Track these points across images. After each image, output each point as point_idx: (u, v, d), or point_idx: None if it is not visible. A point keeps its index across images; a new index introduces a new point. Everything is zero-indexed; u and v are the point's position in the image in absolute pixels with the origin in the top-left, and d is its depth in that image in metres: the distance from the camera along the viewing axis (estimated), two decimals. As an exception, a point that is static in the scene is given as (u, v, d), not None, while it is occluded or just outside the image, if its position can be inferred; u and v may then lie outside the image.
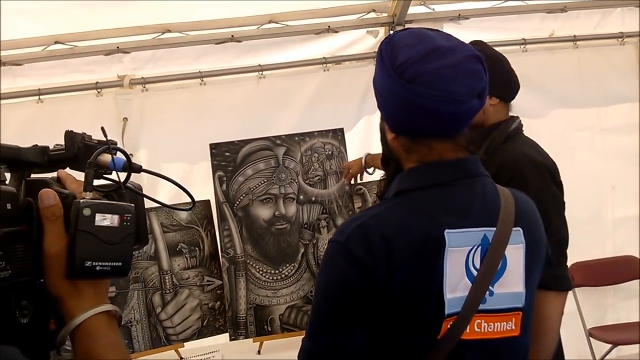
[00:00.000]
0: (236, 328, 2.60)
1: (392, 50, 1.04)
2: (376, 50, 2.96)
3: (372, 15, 2.95)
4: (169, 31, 2.57)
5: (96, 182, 0.72)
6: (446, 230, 1.01)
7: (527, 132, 1.80)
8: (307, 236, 2.79)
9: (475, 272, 1.03)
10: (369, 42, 3.01)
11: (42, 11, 2.31)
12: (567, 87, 3.15)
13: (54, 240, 0.65)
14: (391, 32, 3.01)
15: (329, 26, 2.86)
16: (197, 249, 2.62)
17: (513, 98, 1.80)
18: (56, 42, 2.45)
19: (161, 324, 2.55)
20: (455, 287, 1.01)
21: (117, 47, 2.54)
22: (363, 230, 1.01)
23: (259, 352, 2.54)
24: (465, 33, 3.05)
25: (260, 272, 2.73)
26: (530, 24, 3.20)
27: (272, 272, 2.74)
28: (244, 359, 2.53)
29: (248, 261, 2.68)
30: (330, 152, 2.79)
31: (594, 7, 3.15)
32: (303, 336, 1.06)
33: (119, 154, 0.74)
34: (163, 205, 0.88)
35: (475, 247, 1.03)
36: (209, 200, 2.58)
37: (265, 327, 2.71)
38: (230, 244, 2.65)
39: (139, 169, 0.77)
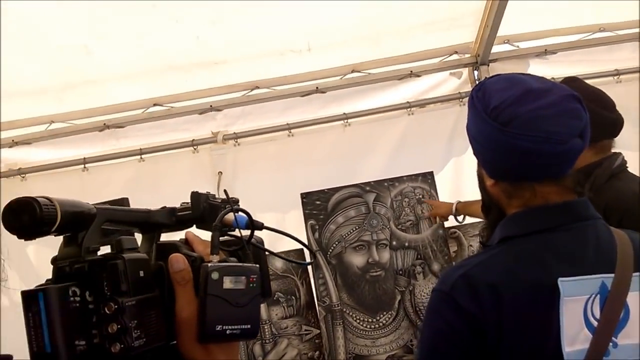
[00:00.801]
0: (337, 379, 2.23)
1: (484, 95, 0.94)
2: (461, 91, 2.62)
3: (455, 57, 2.57)
4: (258, 87, 2.35)
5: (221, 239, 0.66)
6: (560, 279, 0.86)
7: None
8: (403, 283, 2.38)
9: (595, 323, 0.87)
10: (452, 83, 2.63)
11: (142, 76, 2.17)
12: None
13: (185, 305, 0.60)
14: (475, 72, 2.63)
15: (411, 71, 2.52)
16: (293, 297, 2.30)
17: (607, 136, 1.57)
18: (155, 105, 2.29)
19: (262, 375, 2.22)
20: (574, 339, 0.86)
21: (210, 106, 2.34)
22: (468, 279, 0.89)
23: None
24: (553, 69, 2.60)
25: (358, 321, 2.33)
26: (622, 54, 2.69)
27: (370, 320, 2.34)
28: None
29: (345, 309, 2.31)
30: (421, 196, 2.39)
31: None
32: None
33: (241, 213, 0.69)
34: (285, 259, 0.89)
35: (594, 295, 0.88)
36: (302, 249, 2.24)
37: (366, 377, 2.29)
38: (325, 292, 2.29)
39: (260, 227, 0.71)
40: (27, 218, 0.49)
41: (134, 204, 0.67)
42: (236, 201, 0.72)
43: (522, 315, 0.86)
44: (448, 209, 2.27)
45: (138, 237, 0.65)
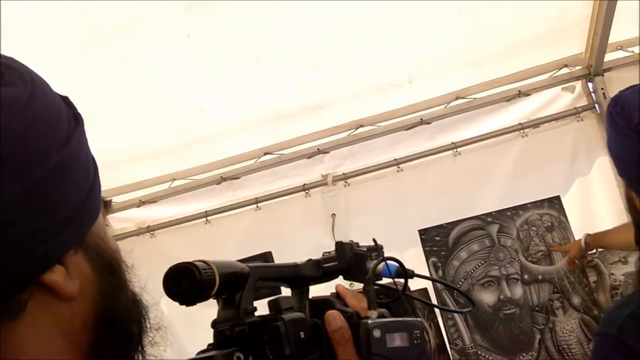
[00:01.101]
0: None
1: (622, 110, 0.83)
2: (576, 106, 2.31)
3: (565, 70, 2.29)
4: (362, 125, 2.22)
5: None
6: None
7: None
8: (541, 320, 2.04)
9: None
10: (566, 99, 2.33)
11: (252, 128, 2.13)
12: None
13: None
14: (589, 84, 2.32)
15: (519, 91, 2.27)
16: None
17: None
18: (265, 154, 2.24)
19: None
20: None
21: (318, 149, 2.25)
22: (636, 319, 0.77)
23: None
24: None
25: (495, 365, 2.01)
26: None
27: (508, 363, 2.01)
28: None
29: (480, 352, 2.03)
30: (549, 224, 2.08)
31: None
32: None
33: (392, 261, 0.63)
34: (439, 308, 0.72)
35: None
36: (426, 289, 2.00)
37: None
38: (457, 334, 2.03)
39: (412, 275, 0.65)
40: (188, 283, 0.46)
41: (254, 252, 0.63)
42: (380, 248, 0.68)
43: None
44: (579, 248, 1.95)
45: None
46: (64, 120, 0.39)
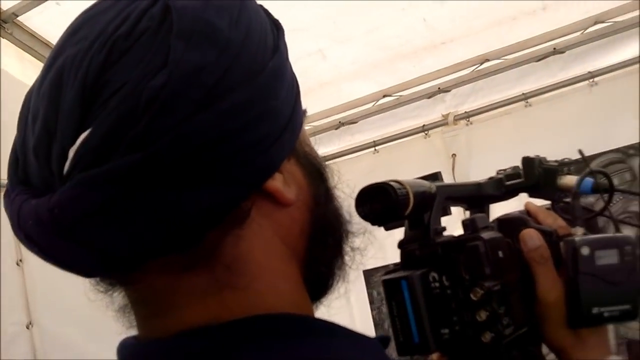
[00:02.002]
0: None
1: None
2: None
3: None
4: (487, 60, 2.19)
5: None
6: None
7: None
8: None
9: None
10: None
11: (371, 71, 2.19)
12: None
13: (551, 286, 0.53)
14: None
15: (669, 9, 2.07)
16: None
17: None
18: (384, 96, 2.30)
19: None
20: None
21: (439, 88, 2.28)
22: None
23: None
24: None
25: None
26: None
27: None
28: None
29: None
30: (703, 155, 1.97)
31: None
32: None
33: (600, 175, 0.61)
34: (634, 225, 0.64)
35: None
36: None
37: (644, 367, 2.02)
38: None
39: (614, 189, 0.62)
40: (383, 203, 0.47)
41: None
42: (570, 163, 0.66)
43: None
44: None
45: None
46: (269, 26, 0.41)
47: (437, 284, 0.49)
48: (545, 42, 2.14)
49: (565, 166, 0.65)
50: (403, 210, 0.48)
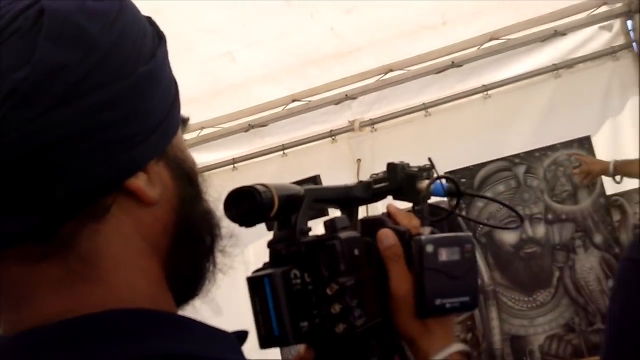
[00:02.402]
0: (493, 360, 2.21)
1: None
2: (613, 45, 2.38)
3: (604, 8, 2.34)
4: (392, 70, 2.34)
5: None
6: None
7: None
8: (562, 258, 2.28)
9: None
10: (602, 38, 2.40)
11: (281, 75, 2.26)
12: None
13: (401, 281, 0.59)
14: (629, 22, 2.37)
15: (555, 30, 2.33)
16: (443, 280, 2.29)
17: None
18: (294, 101, 2.39)
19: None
20: None
21: (346, 95, 2.40)
22: None
23: None
24: None
25: (513, 301, 2.29)
26: None
27: (526, 300, 2.29)
28: None
29: (498, 290, 2.29)
30: (578, 164, 2.23)
31: None
32: None
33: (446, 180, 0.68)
34: (494, 227, 0.80)
35: None
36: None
37: (524, 359, 2.27)
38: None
39: (465, 193, 0.69)
40: (249, 206, 0.51)
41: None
42: (431, 168, 0.71)
43: None
44: (603, 167, 2.09)
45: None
46: (150, 35, 0.43)
47: (298, 281, 0.52)
48: (445, 56, 2.33)
49: (425, 172, 0.70)
50: (268, 212, 0.52)
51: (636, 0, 2.27)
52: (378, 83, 2.35)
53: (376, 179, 0.69)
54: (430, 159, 0.70)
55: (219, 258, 0.49)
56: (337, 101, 2.38)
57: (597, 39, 2.39)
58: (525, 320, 2.27)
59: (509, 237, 2.29)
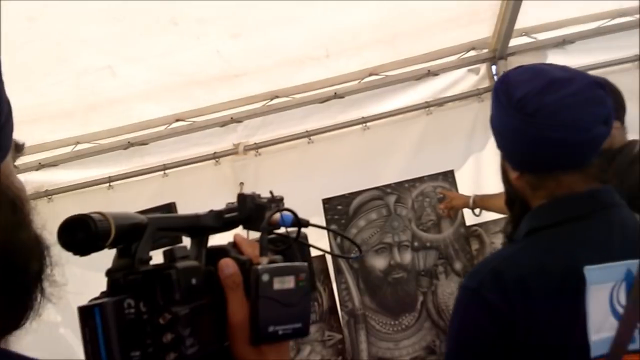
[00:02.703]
0: (361, 381, 2.36)
1: (507, 88, 0.95)
2: (479, 87, 2.66)
3: (472, 53, 2.61)
4: (277, 97, 2.43)
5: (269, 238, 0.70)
6: (586, 267, 0.87)
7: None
8: (425, 283, 2.49)
9: (621, 310, 0.88)
10: (470, 80, 2.67)
11: (164, 94, 2.26)
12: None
13: (237, 309, 0.61)
14: (493, 67, 2.65)
15: (428, 70, 2.57)
16: (316, 304, 2.42)
17: None
18: (177, 120, 2.39)
19: (287, 381, 2.35)
20: (600, 327, 0.87)
21: (231, 118, 2.45)
22: (497, 274, 0.90)
23: None
24: (572, 58, 2.62)
25: (380, 324, 2.46)
26: (645, 37, 2.66)
27: (392, 323, 2.47)
28: None
29: (367, 313, 2.45)
30: (442, 196, 2.46)
31: None
32: None
33: (287, 212, 0.72)
34: (332, 254, 0.87)
35: (619, 282, 0.88)
36: (324, 255, 2.34)
37: (392, 380, 2.43)
38: (348, 297, 2.42)
39: (306, 224, 0.74)
40: (82, 234, 0.51)
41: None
42: (281, 199, 0.75)
43: (550, 306, 0.87)
44: (464, 201, 2.32)
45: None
46: None
47: (132, 310, 0.53)
48: (328, 86, 2.46)
49: (274, 203, 0.73)
50: (103, 241, 0.52)
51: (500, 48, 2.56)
52: (263, 108, 2.43)
53: (227, 209, 0.72)
54: (271, 192, 0.75)
55: (47, 287, 0.48)
56: (222, 123, 2.43)
57: (465, 80, 2.66)
58: (391, 342, 2.44)
59: (379, 263, 2.46)
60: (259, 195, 0.74)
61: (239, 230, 0.72)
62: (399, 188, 2.49)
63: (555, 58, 2.66)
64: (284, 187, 2.41)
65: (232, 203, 0.72)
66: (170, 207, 0.70)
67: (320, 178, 2.50)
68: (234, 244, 0.68)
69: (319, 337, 2.39)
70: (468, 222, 2.50)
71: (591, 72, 1.96)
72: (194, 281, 0.58)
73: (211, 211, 0.69)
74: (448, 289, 2.46)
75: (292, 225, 0.72)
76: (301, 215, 2.34)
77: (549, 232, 0.93)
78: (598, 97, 0.92)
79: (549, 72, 0.94)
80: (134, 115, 2.32)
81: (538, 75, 0.94)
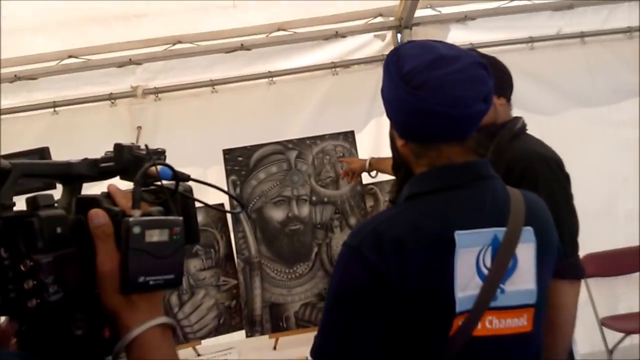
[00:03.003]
0: (252, 325, 2.46)
1: (398, 60, 1.01)
2: (384, 53, 2.79)
3: (380, 19, 2.73)
4: (180, 42, 2.42)
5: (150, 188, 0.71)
6: (456, 232, 0.96)
7: (539, 129, 1.71)
8: (321, 236, 2.61)
9: (486, 271, 0.99)
10: (376, 45, 2.80)
11: (57, 28, 2.18)
12: (576, 83, 2.90)
13: (107, 259, 0.62)
14: (398, 35, 2.78)
15: (336, 32, 2.66)
16: (212, 250, 2.46)
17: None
18: (70, 57, 2.32)
19: (178, 322, 2.41)
20: (466, 286, 0.97)
21: (130, 59, 2.41)
22: (376, 234, 0.97)
23: (274, 348, 2.39)
24: (472, 34, 2.82)
25: (275, 272, 2.56)
26: (538, 21, 2.95)
27: (287, 271, 2.57)
28: (260, 356, 2.37)
29: (263, 261, 2.53)
30: (341, 154, 2.60)
31: (601, 2, 2.85)
32: (316, 333, 1.02)
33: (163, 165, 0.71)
34: (214, 208, 0.89)
35: (486, 247, 0.99)
36: (223, 204, 2.39)
37: (281, 324, 2.56)
38: (245, 245, 2.49)
39: (186, 178, 0.73)
40: None
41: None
42: (162, 152, 0.75)
43: (422, 265, 0.95)
44: (362, 165, 2.44)
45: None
46: None
47: None
48: (235, 37, 2.48)
49: (155, 155, 0.72)
50: None
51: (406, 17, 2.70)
52: (165, 52, 2.41)
53: (103, 158, 0.71)
54: (146, 145, 0.73)
55: None
56: (119, 64, 2.38)
57: (371, 45, 2.79)
58: (285, 289, 2.55)
59: (277, 214, 2.54)
60: (138, 147, 0.73)
61: (116, 181, 0.71)
62: (301, 144, 2.57)
63: (457, 32, 2.85)
64: (184, 135, 2.45)
65: (110, 152, 0.72)
66: (43, 152, 0.67)
67: (223, 129, 2.53)
68: (108, 195, 0.68)
69: (214, 282, 2.44)
70: (365, 181, 2.65)
71: (488, 50, 2.18)
72: (59, 230, 0.59)
73: (85, 159, 0.69)
74: (342, 242, 2.58)
75: (172, 179, 0.72)
76: (201, 164, 2.39)
77: (427, 198, 1.01)
78: (480, 76, 0.99)
79: (437, 49, 1.00)
80: (23, 48, 2.21)
81: (427, 51, 1.00)
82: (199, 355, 2.36)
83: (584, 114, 2.92)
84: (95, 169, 0.69)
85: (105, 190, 0.69)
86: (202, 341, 2.40)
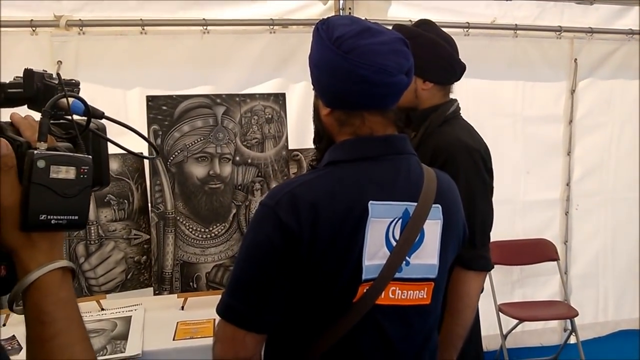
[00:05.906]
0: (161, 283, 2.71)
1: (328, 28, 1.17)
2: (324, 17, 3.13)
3: (325, -18, 3.04)
4: (114, -26, 2.57)
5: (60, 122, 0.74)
6: (370, 202, 1.12)
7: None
8: (240, 197, 2.90)
9: (394, 243, 1.15)
10: (317, 8, 3.13)
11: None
12: (500, 74, 3.41)
13: (7, 192, 0.66)
14: (340, 1, 3.14)
15: (277, -12, 2.94)
16: (126, 201, 2.68)
17: (453, 82, 1.88)
18: (-9, -27, 2.39)
19: (83, 274, 2.61)
20: (374, 255, 1.13)
21: (56, -16, 2.51)
22: (293, 197, 1.10)
23: (182, 308, 2.64)
24: (411, 12, 3.22)
25: (190, 230, 2.82)
26: (475, 9, 3.41)
27: (202, 230, 2.84)
28: (167, 315, 2.59)
29: (178, 218, 2.77)
30: (270, 116, 2.89)
31: (536, -1, 3.40)
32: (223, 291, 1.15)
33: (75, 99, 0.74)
34: (127, 152, 0.88)
35: (397, 219, 1.15)
36: (142, 152, 2.63)
37: (191, 283, 2.82)
38: (161, 199, 2.72)
39: (100, 115, 0.77)
40: None
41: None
42: (76, 84, 0.78)
43: (334, 231, 1.09)
44: None
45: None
46: None
47: None
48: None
49: (68, 87, 0.74)
50: None
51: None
52: (95, -17, 2.57)
53: (11, 83, 0.74)
54: (59, 74, 0.75)
55: None
56: (43, -12, 2.50)
57: (312, 7, 3.11)
58: (198, 248, 2.85)
59: (198, 171, 2.82)
60: (50, 75, 0.76)
61: (23, 110, 0.74)
62: (229, 100, 2.84)
63: (397, 8, 3.26)
64: (107, 75, 2.67)
65: (19, 77, 0.75)
66: None
67: (150, 73, 2.73)
68: (12, 124, 0.71)
69: (125, 235, 2.66)
70: (290, 147, 3.00)
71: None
72: None
73: None
74: (260, 202, 2.93)
75: (84, 115, 0.74)
76: (121, 109, 2.65)
77: (345, 166, 1.16)
78: (403, 51, 1.17)
79: (365, 22, 1.20)
80: None
81: (355, 22, 1.18)
82: (102, 309, 2.54)
83: (501, 106, 3.48)
84: (1, 95, 0.72)
85: (9, 119, 0.72)
86: (107, 295, 2.59)
